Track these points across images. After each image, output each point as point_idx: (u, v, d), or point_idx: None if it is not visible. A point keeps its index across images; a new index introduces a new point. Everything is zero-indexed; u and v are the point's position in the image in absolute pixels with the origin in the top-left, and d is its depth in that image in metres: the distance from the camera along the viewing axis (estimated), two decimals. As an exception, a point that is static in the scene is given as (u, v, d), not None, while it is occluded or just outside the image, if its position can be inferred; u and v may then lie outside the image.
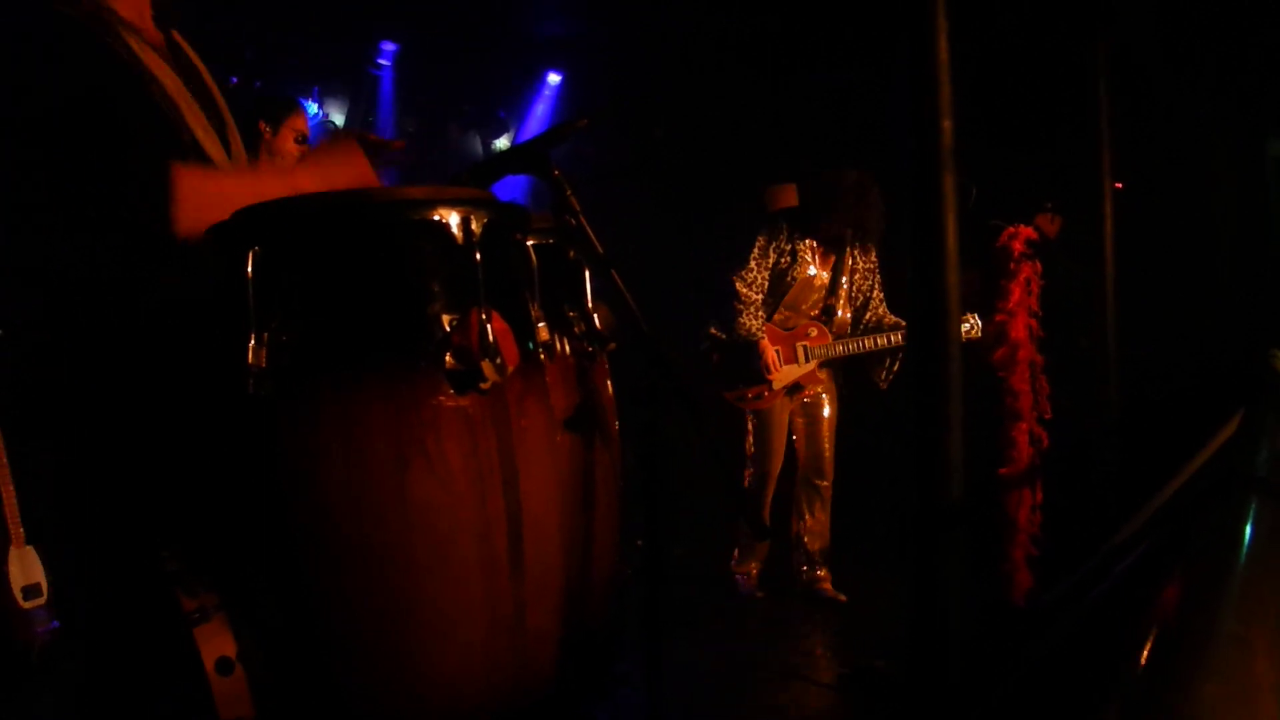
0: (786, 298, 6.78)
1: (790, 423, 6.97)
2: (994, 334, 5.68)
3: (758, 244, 6.71)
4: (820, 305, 6.89)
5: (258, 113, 6.19)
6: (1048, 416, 5.52)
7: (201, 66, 3.19)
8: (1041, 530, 5.50)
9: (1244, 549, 1.59)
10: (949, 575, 2.50)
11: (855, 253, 6.91)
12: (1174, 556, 1.80)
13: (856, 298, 6.95)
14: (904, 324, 6.75)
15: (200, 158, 2.95)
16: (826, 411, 6.99)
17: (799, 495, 7.00)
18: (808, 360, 6.77)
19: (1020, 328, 5.51)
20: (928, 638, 2.52)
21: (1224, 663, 1.16)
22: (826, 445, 6.98)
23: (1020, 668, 2.61)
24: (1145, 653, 1.24)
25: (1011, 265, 5.55)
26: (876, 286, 7.01)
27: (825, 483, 6.99)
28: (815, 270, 6.82)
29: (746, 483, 6.81)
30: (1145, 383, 6.58)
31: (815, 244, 6.81)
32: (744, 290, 6.63)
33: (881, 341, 6.77)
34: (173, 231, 2.72)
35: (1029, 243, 5.56)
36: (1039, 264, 5.57)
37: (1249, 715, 1.07)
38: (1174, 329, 7.81)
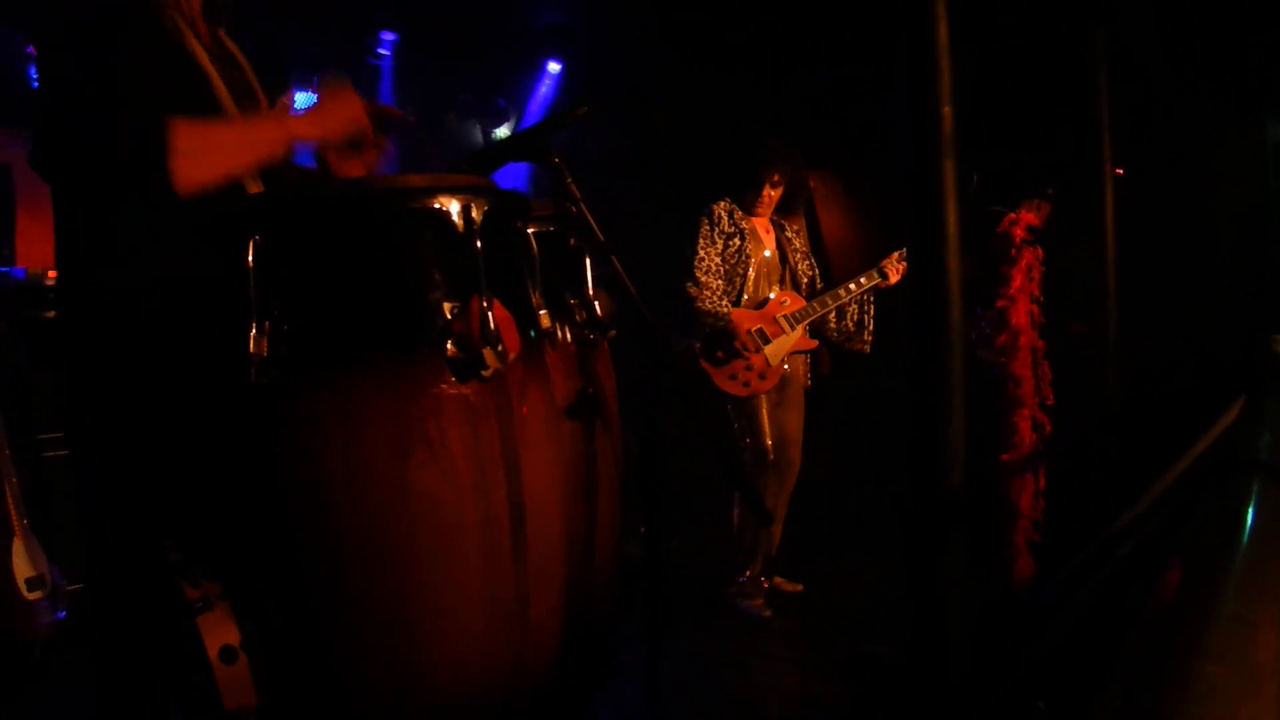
0: (748, 286, 6.48)
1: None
2: (995, 320, 5.66)
3: (701, 231, 6.41)
4: (771, 282, 6.59)
5: None
6: (1050, 402, 5.52)
7: (246, 66, 3.22)
8: (1044, 516, 5.50)
9: (1246, 531, 1.59)
10: (951, 564, 2.50)
11: (789, 235, 6.70)
12: (1177, 540, 1.80)
13: (803, 280, 6.68)
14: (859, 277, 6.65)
15: None
16: (793, 393, 6.61)
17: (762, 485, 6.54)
18: (793, 327, 6.45)
19: (1021, 314, 5.50)
20: (930, 627, 2.52)
21: (1226, 643, 1.16)
22: (795, 431, 6.60)
23: (1025, 653, 2.62)
24: (1148, 634, 1.24)
25: (1013, 251, 5.54)
26: (815, 268, 6.81)
27: (792, 474, 6.59)
28: (768, 250, 6.57)
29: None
30: (1147, 368, 6.58)
31: (760, 221, 6.59)
32: (702, 278, 6.30)
33: (854, 288, 6.55)
34: (172, 183, 2.72)
35: (1030, 229, 5.56)
36: (1040, 250, 5.57)
37: (1252, 695, 1.07)
38: (1175, 315, 7.81)
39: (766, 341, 6.37)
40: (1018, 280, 5.53)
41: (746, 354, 6.30)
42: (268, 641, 2.62)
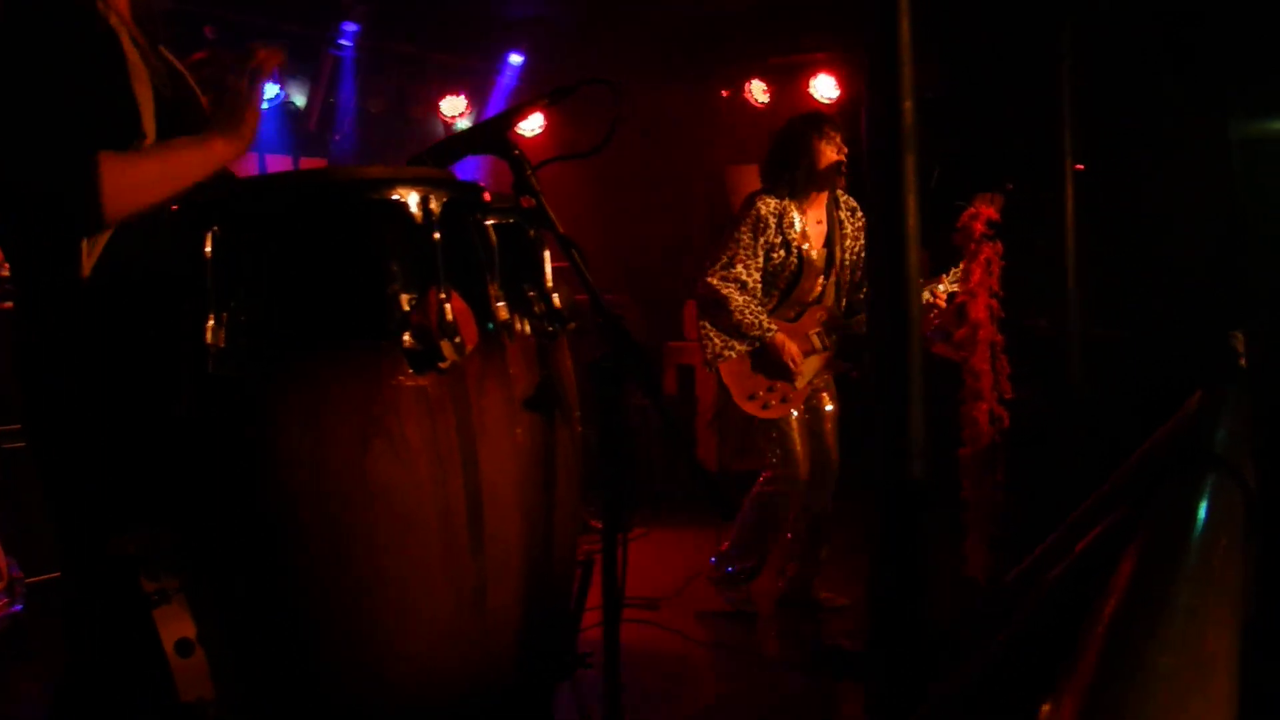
0: (792, 295, 6.09)
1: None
2: (954, 314, 5.66)
3: (741, 242, 5.93)
4: (820, 289, 6.17)
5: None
6: (1008, 396, 5.54)
7: (191, 81, 3.21)
8: (1003, 508, 5.52)
9: (1199, 525, 1.60)
10: (912, 555, 2.51)
11: (843, 214, 6.23)
12: (1132, 532, 1.81)
13: (847, 270, 6.24)
14: None
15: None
16: (830, 408, 6.25)
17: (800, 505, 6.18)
18: (824, 347, 6.10)
19: (981, 308, 5.51)
20: (890, 618, 2.52)
21: (1178, 635, 1.16)
22: (832, 445, 6.25)
23: (981, 645, 2.63)
24: (1101, 626, 1.25)
25: (972, 246, 5.56)
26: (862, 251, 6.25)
27: (833, 480, 6.24)
28: (813, 251, 6.08)
29: (771, 495, 6.04)
30: (1108, 362, 6.61)
31: (805, 218, 6.07)
32: (731, 294, 5.88)
33: None
34: (102, 218, 2.72)
35: (989, 223, 5.57)
36: (999, 244, 5.58)
37: (1202, 686, 1.08)
38: (1137, 309, 7.85)
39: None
40: (977, 274, 5.54)
41: (787, 376, 5.98)
42: (230, 633, 2.63)
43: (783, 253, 6.01)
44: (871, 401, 2.56)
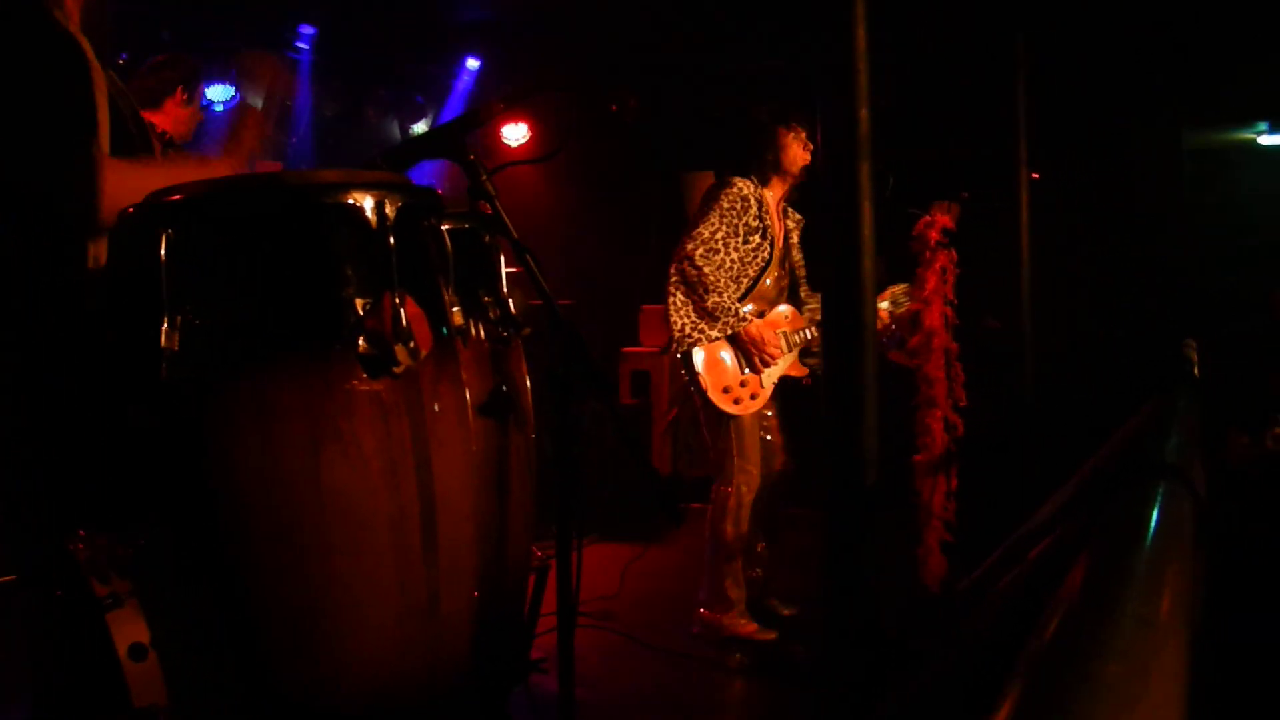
0: (758, 287, 5.91)
1: None
2: (909, 322, 5.65)
3: (721, 219, 5.72)
4: (780, 285, 6.05)
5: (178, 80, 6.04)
6: (962, 404, 5.53)
7: (135, 104, 3.22)
8: (956, 516, 5.52)
9: (1150, 534, 1.61)
10: (864, 563, 2.51)
11: (790, 226, 6.12)
12: (1083, 541, 1.82)
13: (799, 278, 6.15)
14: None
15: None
16: (771, 412, 6.08)
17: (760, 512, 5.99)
18: (789, 349, 5.95)
19: (935, 315, 5.50)
20: (842, 626, 2.53)
21: (1126, 643, 1.17)
22: (780, 440, 6.12)
23: (934, 654, 2.63)
24: (1049, 633, 1.25)
25: (927, 254, 5.55)
26: (804, 267, 6.16)
27: (781, 494, 6.14)
28: (778, 241, 5.95)
29: (733, 497, 5.79)
30: (1061, 370, 6.64)
31: (775, 208, 5.93)
32: (711, 273, 5.67)
33: None
34: (100, 219, 2.72)
35: (944, 231, 5.57)
36: (954, 253, 5.57)
37: (1148, 694, 1.08)
38: (1091, 317, 7.90)
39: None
40: (932, 282, 5.53)
41: (746, 371, 5.81)
42: (181, 638, 2.61)
43: (758, 238, 5.85)
44: (825, 408, 2.57)
